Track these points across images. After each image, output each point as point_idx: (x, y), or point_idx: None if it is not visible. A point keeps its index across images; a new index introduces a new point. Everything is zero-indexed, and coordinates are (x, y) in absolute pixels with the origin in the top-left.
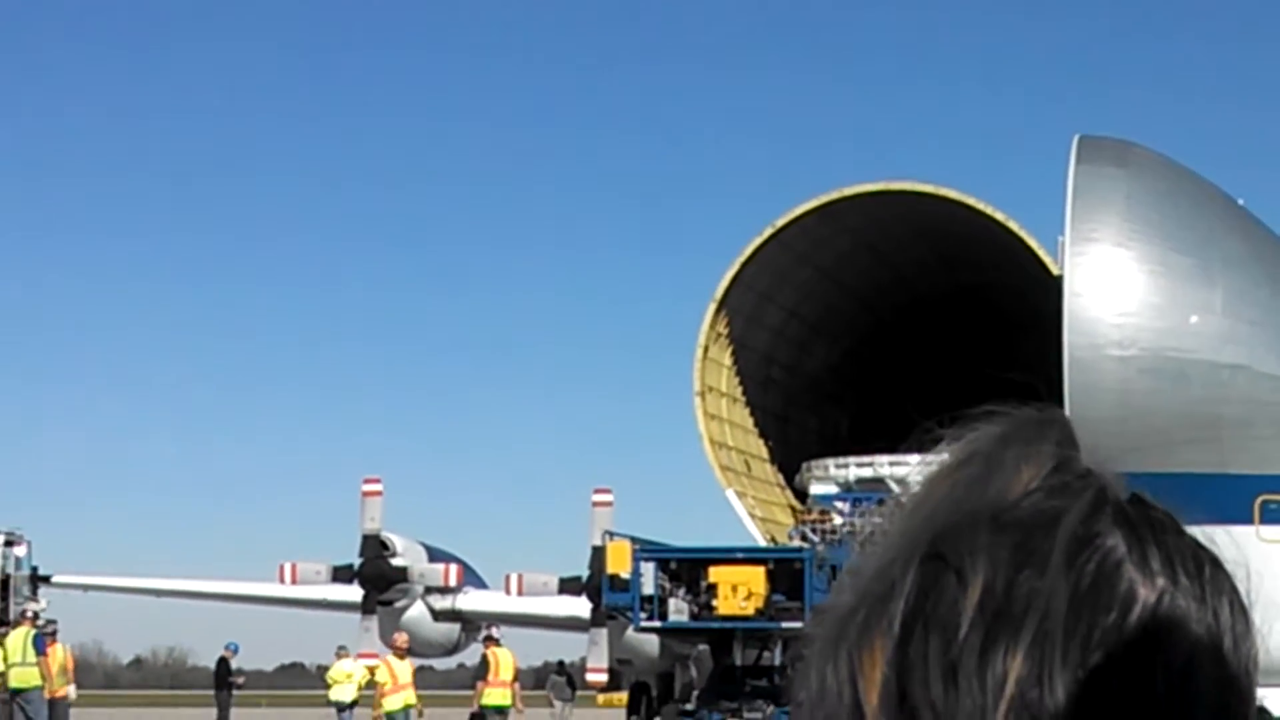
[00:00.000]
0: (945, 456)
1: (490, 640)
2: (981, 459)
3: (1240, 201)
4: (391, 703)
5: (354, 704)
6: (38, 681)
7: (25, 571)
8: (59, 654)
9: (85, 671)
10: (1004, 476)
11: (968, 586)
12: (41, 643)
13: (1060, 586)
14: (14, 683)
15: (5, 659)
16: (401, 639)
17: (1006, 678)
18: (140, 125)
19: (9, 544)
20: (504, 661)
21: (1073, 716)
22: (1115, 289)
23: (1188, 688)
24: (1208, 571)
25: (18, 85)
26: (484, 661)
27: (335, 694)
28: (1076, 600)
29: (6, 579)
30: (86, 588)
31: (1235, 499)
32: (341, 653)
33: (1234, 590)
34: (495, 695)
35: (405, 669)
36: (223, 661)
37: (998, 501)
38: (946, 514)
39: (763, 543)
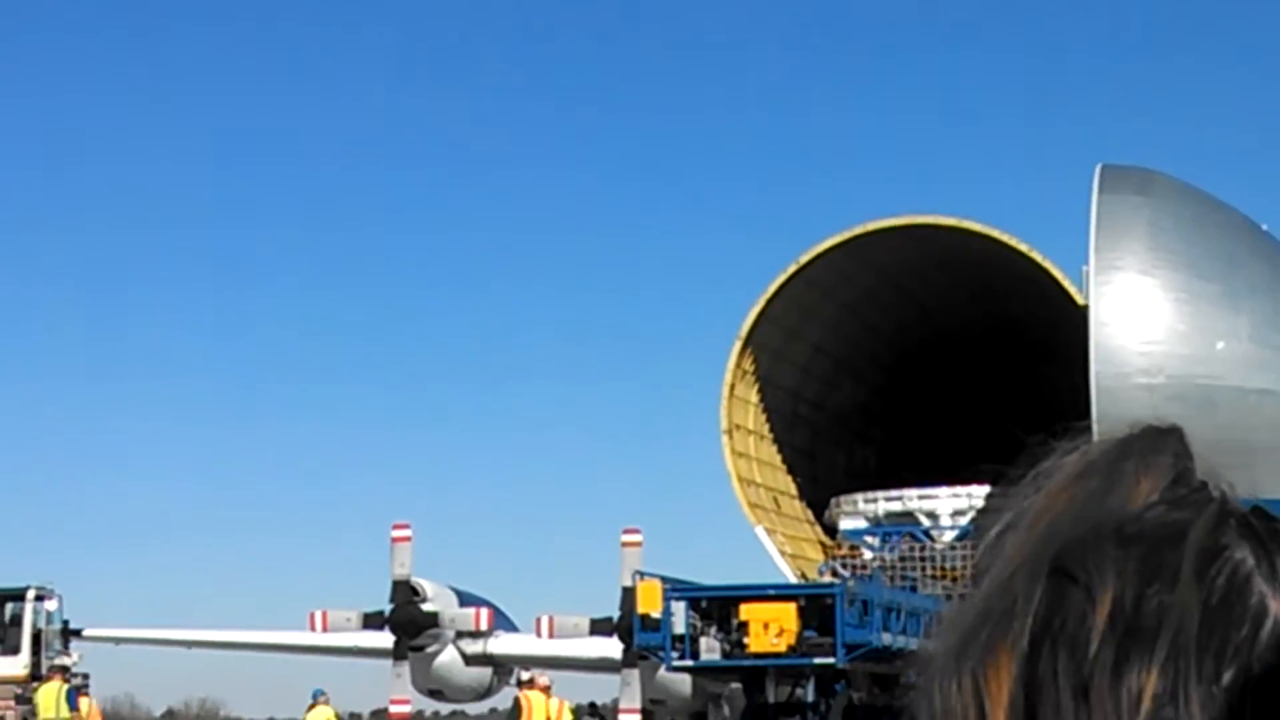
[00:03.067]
0: (1061, 470)
1: (523, 684)
2: (1100, 471)
3: (1264, 226)
4: None
5: None
6: None
7: (56, 626)
8: (86, 707)
9: None
10: (1124, 489)
11: (1096, 602)
12: (74, 697)
13: (1192, 601)
14: None
15: (39, 713)
16: (544, 678)
17: (1142, 695)
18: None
19: (40, 599)
20: (536, 705)
21: None
22: (1141, 317)
23: None
24: None
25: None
26: (515, 706)
27: None
28: (1209, 615)
29: (38, 633)
30: (118, 640)
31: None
32: (321, 699)
33: None
34: None
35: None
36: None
37: (1119, 514)
38: (1068, 527)
39: (793, 579)
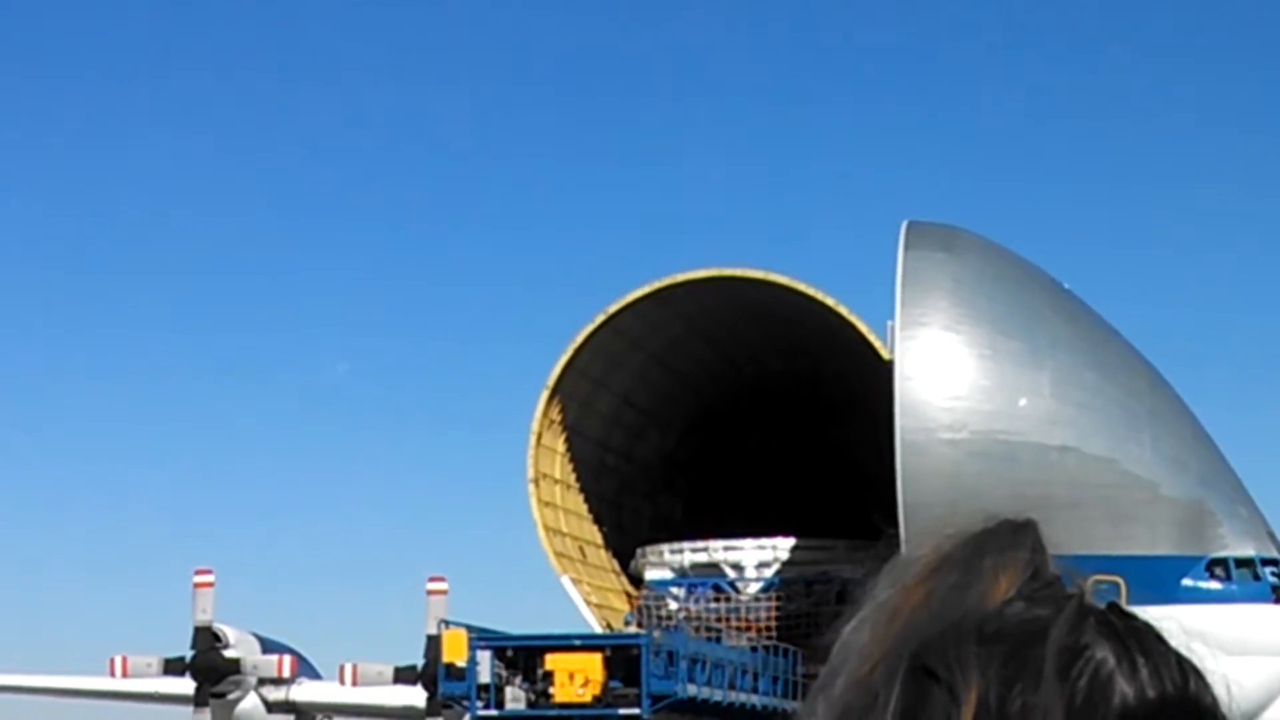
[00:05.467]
0: (916, 563)
1: None
2: (958, 566)
3: (1066, 285)
4: None
5: None
6: None
7: None
8: None
9: None
10: (982, 585)
11: (960, 702)
12: None
13: (1055, 702)
14: None
15: None
16: None
17: None
18: None
19: None
20: None
21: None
22: (945, 373)
23: None
24: (1192, 683)
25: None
26: None
27: None
28: (1072, 716)
29: None
30: None
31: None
32: None
33: (1215, 701)
34: None
35: None
36: None
37: (979, 611)
38: (927, 624)
39: (598, 629)
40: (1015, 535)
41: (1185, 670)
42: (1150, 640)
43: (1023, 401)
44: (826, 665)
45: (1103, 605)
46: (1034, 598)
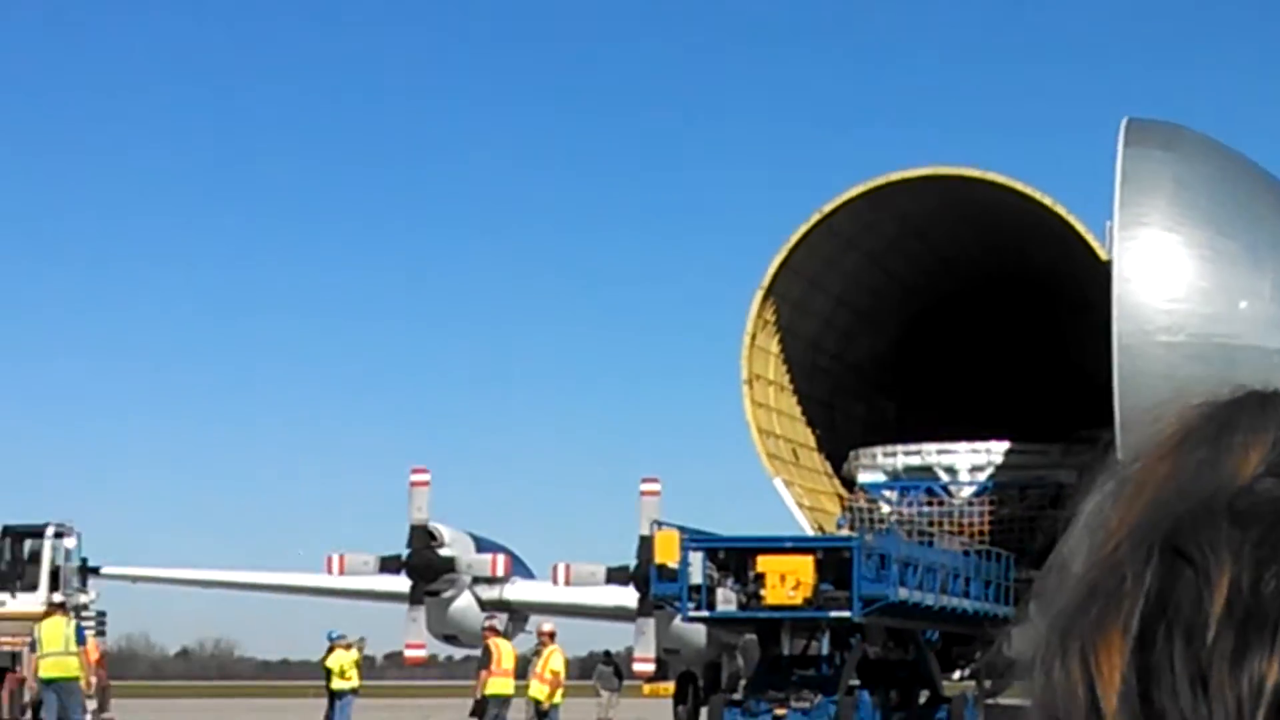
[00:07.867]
0: (1160, 436)
1: (491, 630)
2: (1207, 440)
3: None
4: (497, 685)
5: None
6: (77, 672)
7: (75, 563)
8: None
9: (131, 662)
10: (1232, 460)
11: (1212, 585)
12: (82, 633)
13: None
14: (51, 672)
15: (42, 647)
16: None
17: (1263, 685)
18: None
19: (59, 536)
20: (505, 651)
21: None
22: (1164, 274)
23: None
24: None
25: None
26: (486, 651)
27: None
28: None
29: (56, 570)
30: (135, 579)
31: None
32: (339, 643)
33: None
34: (498, 684)
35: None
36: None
37: (1229, 488)
38: (1175, 500)
39: (810, 532)
40: (1263, 409)
41: None
42: None
43: (1243, 304)
44: (1066, 542)
45: None
46: None
